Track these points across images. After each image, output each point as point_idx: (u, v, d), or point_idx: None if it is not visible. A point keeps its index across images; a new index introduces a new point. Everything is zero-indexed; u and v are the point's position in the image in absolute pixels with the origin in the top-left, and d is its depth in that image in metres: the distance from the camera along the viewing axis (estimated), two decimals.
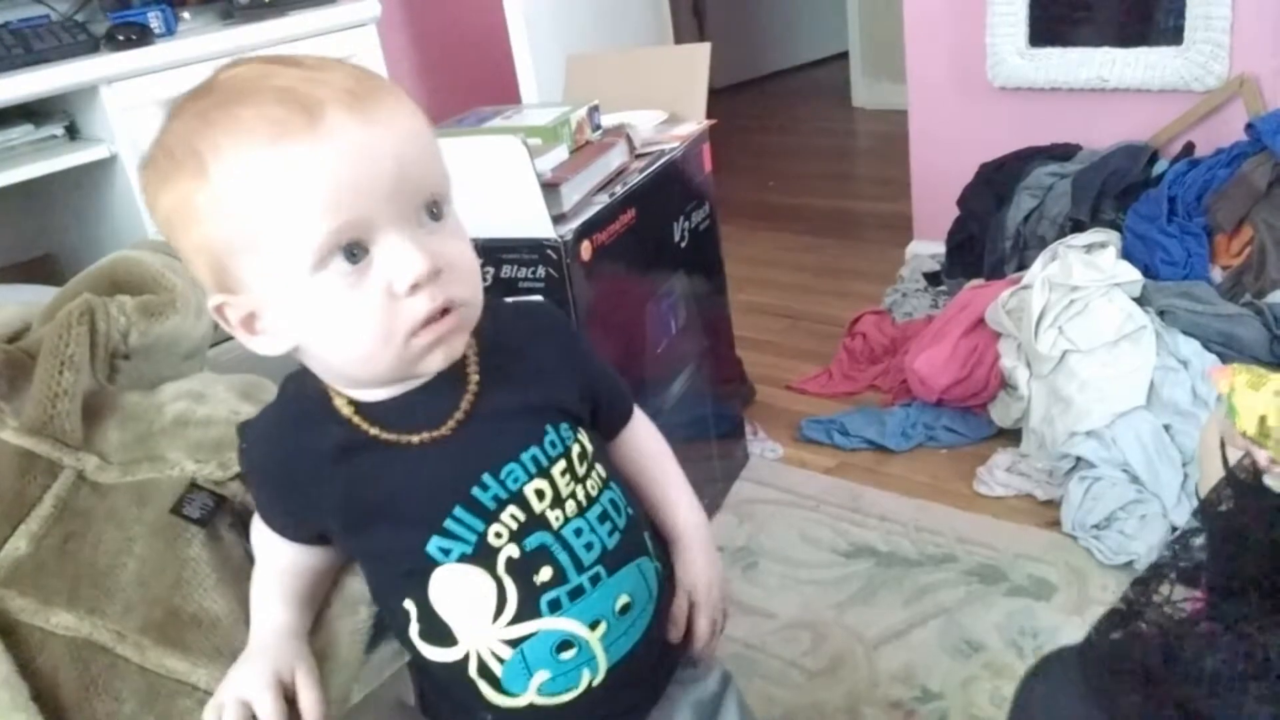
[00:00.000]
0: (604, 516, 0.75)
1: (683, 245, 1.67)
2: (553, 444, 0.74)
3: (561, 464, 0.74)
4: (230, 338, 0.69)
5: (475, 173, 1.25)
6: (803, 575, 1.65)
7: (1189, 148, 2.18)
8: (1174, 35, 2.17)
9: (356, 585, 0.82)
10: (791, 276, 2.87)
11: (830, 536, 1.73)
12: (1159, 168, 2.17)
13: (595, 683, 0.74)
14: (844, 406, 2.12)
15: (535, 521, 0.72)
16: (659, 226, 1.59)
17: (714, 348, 1.85)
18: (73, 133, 1.77)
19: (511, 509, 0.71)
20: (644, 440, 0.88)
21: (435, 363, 0.68)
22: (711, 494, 1.85)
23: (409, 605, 0.73)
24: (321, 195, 0.61)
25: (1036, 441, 1.82)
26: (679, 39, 3.39)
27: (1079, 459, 1.72)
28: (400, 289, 0.64)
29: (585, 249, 1.36)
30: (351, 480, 0.71)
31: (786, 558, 1.70)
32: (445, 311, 0.66)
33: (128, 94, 1.70)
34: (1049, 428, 1.79)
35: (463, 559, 0.71)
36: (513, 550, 0.71)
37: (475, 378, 0.73)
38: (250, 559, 0.83)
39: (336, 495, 0.72)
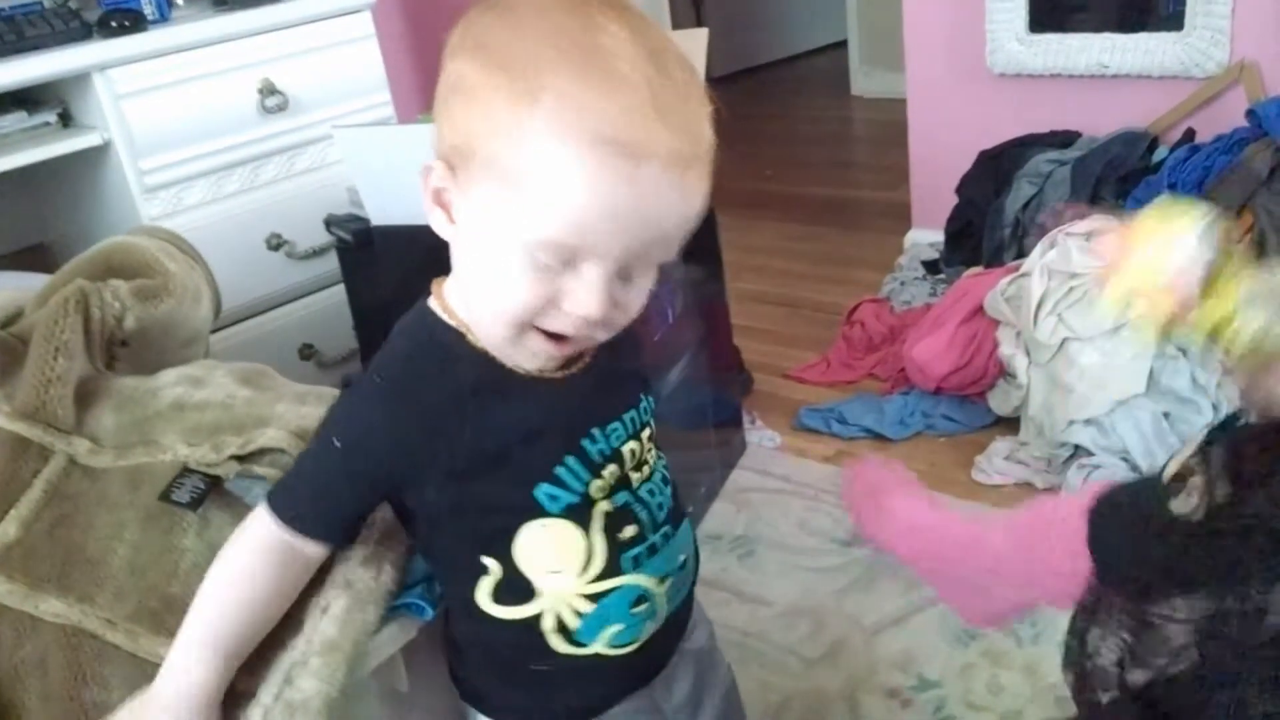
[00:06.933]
0: (664, 479, 0.81)
1: None
2: (643, 409, 0.80)
3: (646, 429, 0.79)
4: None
5: None
6: (801, 563, 1.65)
7: (1189, 134, 2.18)
8: (1174, 21, 2.16)
9: (365, 583, 0.80)
10: (790, 265, 2.86)
11: (828, 524, 1.73)
12: (1159, 155, 2.16)
13: (654, 633, 0.79)
14: (842, 395, 2.11)
15: (623, 480, 0.76)
16: None
17: (711, 336, 1.85)
18: (66, 120, 1.76)
19: (611, 466, 0.75)
20: None
21: (525, 362, 0.72)
22: (709, 482, 1.85)
23: (489, 562, 0.74)
24: (581, 216, 0.63)
25: (1035, 429, 1.82)
26: (676, 27, 3.38)
27: (1078, 447, 1.71)
28: (566, 309, 0.66)
29: None
30: (483, 415, 0.71)
31: (784, 545, 1.69)
32: (566, 337, 0.69)
33: (121, 81, 1.68)
34: (1048, 416, 1.79)
35: (567, 510, 0.73)
36: (606, 506, 0.75)
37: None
38: None
39: (465, 434, 0.71)
